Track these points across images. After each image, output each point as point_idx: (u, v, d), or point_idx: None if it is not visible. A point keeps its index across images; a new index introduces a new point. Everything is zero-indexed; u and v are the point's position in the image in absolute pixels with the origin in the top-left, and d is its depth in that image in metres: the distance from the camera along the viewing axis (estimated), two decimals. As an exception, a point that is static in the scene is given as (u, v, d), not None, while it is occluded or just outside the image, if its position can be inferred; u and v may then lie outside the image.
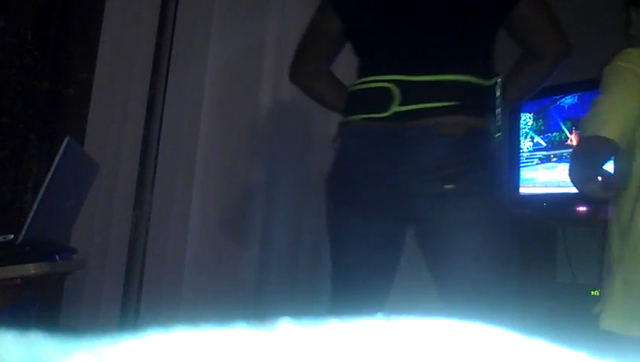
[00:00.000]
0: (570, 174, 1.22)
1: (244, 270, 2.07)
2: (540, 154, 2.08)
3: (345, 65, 1.41)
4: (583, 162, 1.22)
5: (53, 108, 2.13)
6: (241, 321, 0.21)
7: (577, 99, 2.02)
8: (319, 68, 1.33)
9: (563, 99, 2.05)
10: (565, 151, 2.01)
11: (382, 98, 1.12)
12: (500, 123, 1.16)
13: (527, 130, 2.13)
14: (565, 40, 1.21)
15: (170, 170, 2.04)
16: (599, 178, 1.18)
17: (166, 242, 2.00)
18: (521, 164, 2.11)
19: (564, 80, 2.08)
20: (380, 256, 1.22)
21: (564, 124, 2.04)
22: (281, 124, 2.20)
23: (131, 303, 1.90)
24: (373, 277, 1.21)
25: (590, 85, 2.00)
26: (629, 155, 1.21)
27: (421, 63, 1.13)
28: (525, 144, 2.12)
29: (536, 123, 2.11)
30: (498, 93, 1.15)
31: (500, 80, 1.16)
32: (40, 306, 1.74)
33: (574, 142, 1.98)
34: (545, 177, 2.05)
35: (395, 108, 1.11)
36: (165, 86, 2.04)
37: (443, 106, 1.09)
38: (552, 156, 2.05)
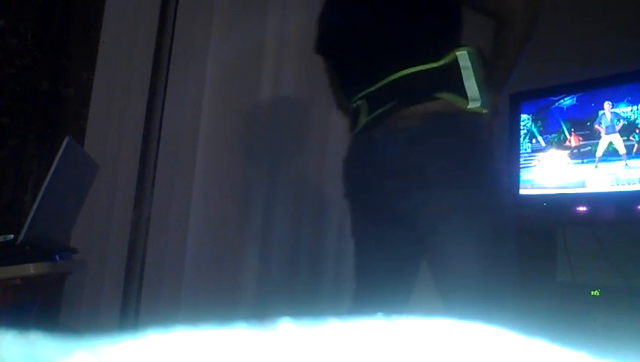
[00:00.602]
0: None
1: (244, 270, 2.07)
2: (539, 154, 2.09)
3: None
4: None
5: (53, 108, 2.13)
6: (241, 321, 0.21)
7: (577, 100, 2.02)
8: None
9: (562, 100, 2.05)
10: (565, 152, 2.01)
11: (355, 114, 1.25)
12: (480, 94, 1.10)
13: (526, 130, 2.14)
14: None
15: (170, 170, 2.04)
16: None
17: (166, 242, 2.00)
18: (521, 165, 2.12)
19: (563, 81, 2.09)
20: (390, 261, 1.25)
21: (564, 125, 2.04)
22: (281, 124, 2.20)
23: (131, 303, 1.90)
24: (392, 280, 1.25)
25: (589, 86, 2.01)
26: None
27: (376, 72, 1.18)
28: (525, 144, 2.13)
29: (536, 123, 2.11)
30: (465, 65, 1.11)
31: (461, 52, 1.11)
32: (40, 306, 1.74)
33: (573, 143, 1.99)
34: (545, 177, 2.05)
35: (364, 120, 1.21)
36: (165, 86, 2.04)
37: (395, 104, 1.14)
38: (552, 156, 2.05)
